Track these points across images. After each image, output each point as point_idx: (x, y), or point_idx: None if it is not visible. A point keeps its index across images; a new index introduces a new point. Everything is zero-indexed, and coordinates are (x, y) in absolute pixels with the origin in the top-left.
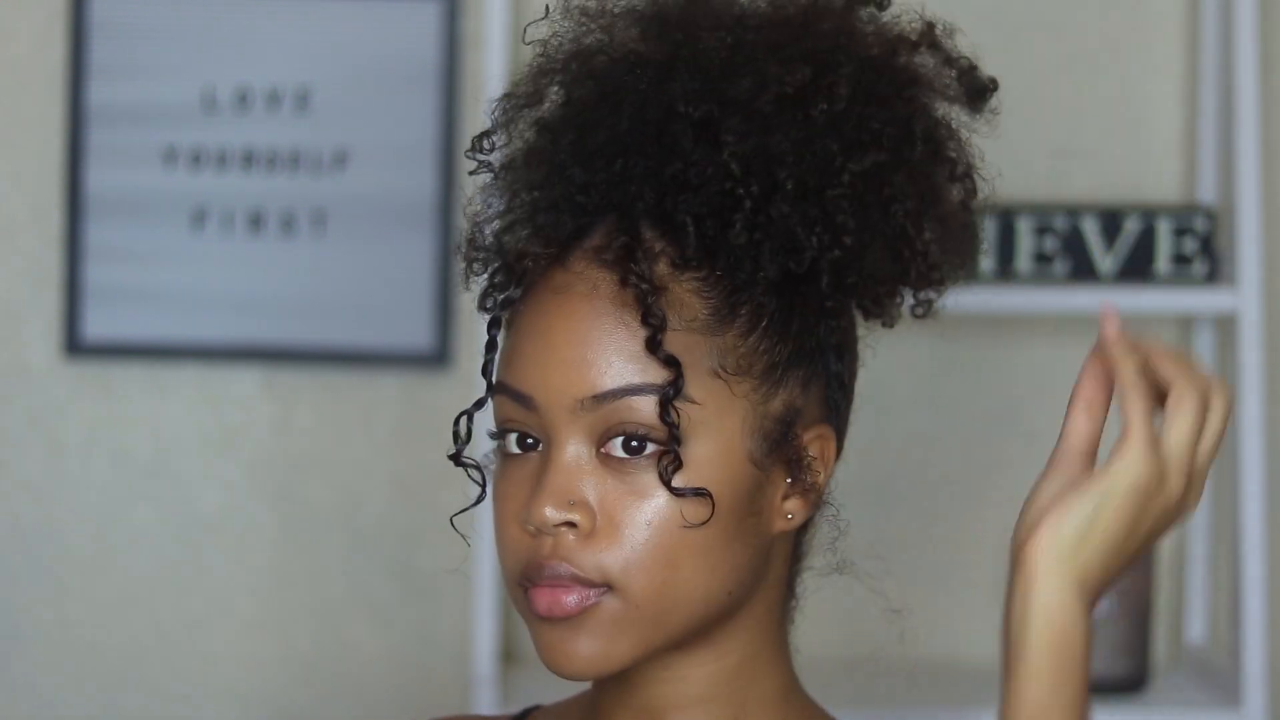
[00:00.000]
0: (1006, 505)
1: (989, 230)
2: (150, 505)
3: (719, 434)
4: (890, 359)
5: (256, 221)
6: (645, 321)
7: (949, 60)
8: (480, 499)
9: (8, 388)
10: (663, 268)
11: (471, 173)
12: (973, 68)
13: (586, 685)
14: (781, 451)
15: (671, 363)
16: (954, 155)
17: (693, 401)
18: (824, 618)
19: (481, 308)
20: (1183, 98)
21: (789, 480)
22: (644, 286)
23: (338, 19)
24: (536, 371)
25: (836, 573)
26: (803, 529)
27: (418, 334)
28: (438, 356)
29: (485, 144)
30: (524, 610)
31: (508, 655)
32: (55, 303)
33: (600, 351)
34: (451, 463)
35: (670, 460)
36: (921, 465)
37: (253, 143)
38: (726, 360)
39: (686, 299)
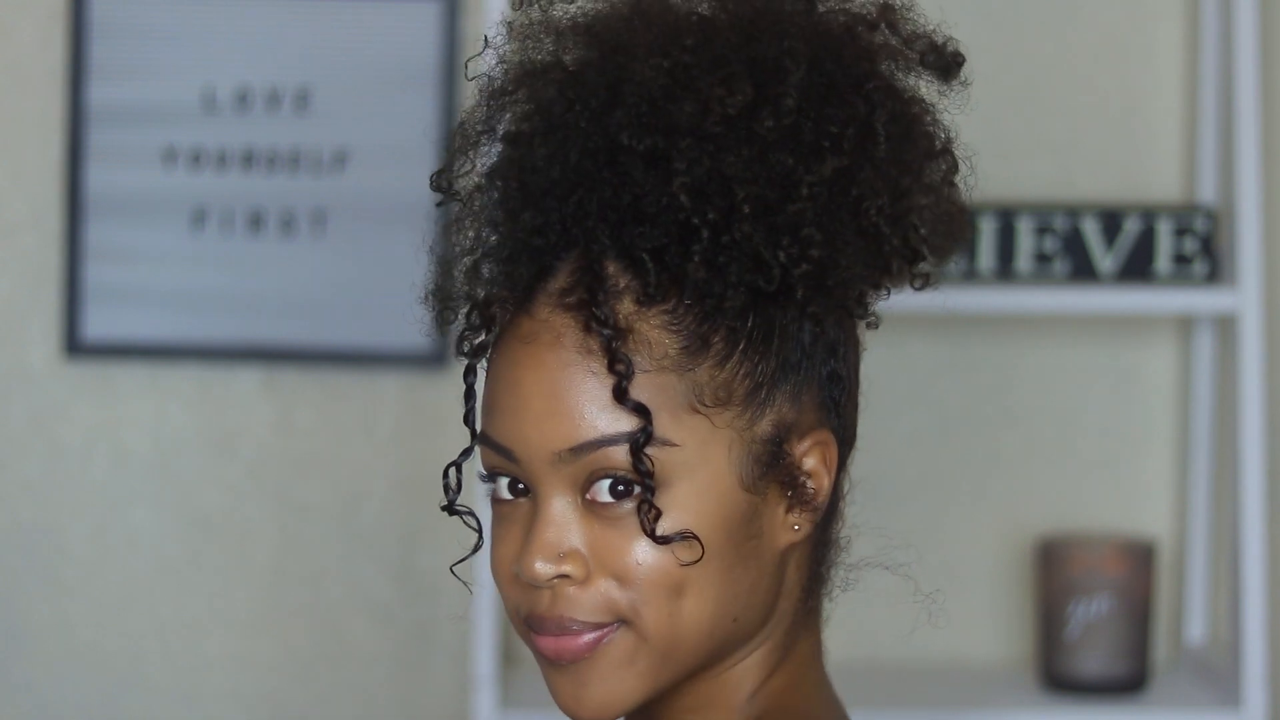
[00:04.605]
0: (1006, 505)
1: (989, 229)
2: (150, 505)
3: (703, 470)
4: (890, 359)
5: (256, 221)
6: (611, 369)
7: (910, 40)
8: (478, 547)
9: (8, 388)
10: (628, 305)
11: (439, 203)
12: (936, 46)
13: None
14: (775, 472)
15: (640, 411)
16: (930, 130)
17: (670, 444)
18: (826, 618)
19: (459, 352)
20: (1183, 98)
21: (789, 494)
22: (607, 333)
23: (338, 19)
24: (514, 425)
25: (841, 589)
26: (826, 526)
27: (417, 334)
28: (438, 356)
29: (443, 181)
30: (531, 648)
31: (508, 655)
32: (55, 303)
33: (571, 403)
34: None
35: (648, 510)
36: (921, 465)
37: (253, 143)
38: (703, 394)
39: (655, 336)
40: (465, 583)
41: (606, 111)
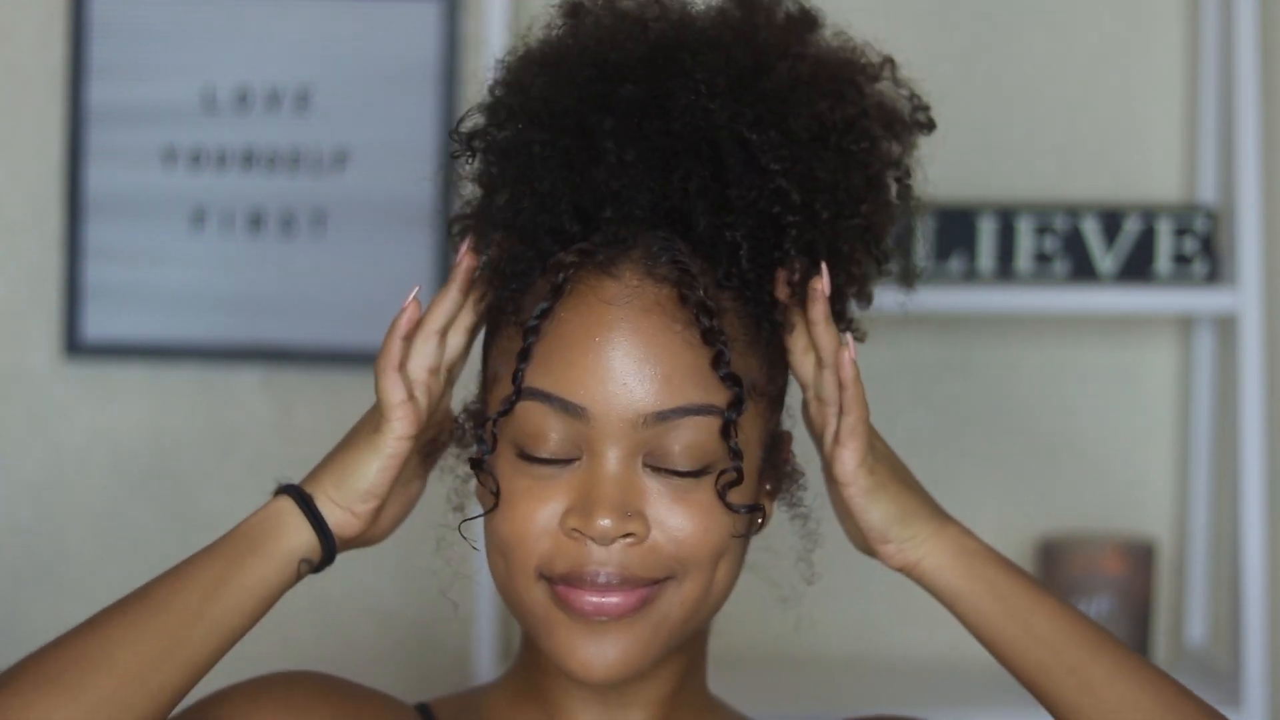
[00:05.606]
0: (1006, 505)
1: (989, 229)
2: (150, 505)
3: (751, 450)
4: (890, 359)
5: (256, 221)
6: (712, 341)
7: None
8: (493, 508)
9: (8, 388)
10: (708, 284)
11: (454, 158)
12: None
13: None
14: (771, 469)
15: (735, 382)
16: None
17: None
18: (827, 619)
19: (510, 310)
20: (1183, 98)
21: (767, 488)
22: (710, 305)
23: (338, 19)
24: (594, 384)
25: (807, 583)
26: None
27: None
28: None
29: (482, 118)
30: (541, 607)
31: (508, 655)
32: (55, 303)
33: (666, 369)
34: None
35: (733, 480)
36: (921, 465)
37: (253, 143)
38: (757, 379)
39: (729, 319)
40: (473, 544)
41: (737, 101)
